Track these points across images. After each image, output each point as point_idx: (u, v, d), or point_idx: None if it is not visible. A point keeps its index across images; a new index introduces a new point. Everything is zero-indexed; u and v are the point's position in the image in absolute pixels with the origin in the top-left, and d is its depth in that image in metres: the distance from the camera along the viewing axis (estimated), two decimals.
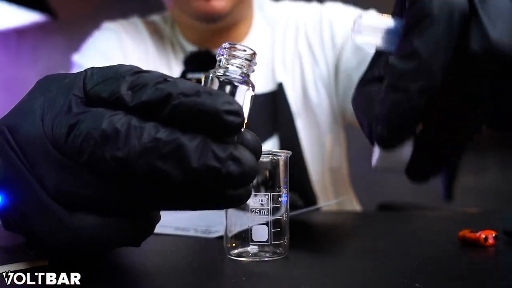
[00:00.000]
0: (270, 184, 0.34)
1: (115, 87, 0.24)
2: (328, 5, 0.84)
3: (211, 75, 0.28)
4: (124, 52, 0.79)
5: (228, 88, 0.27)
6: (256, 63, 0.29)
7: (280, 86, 0.78)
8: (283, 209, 0.35)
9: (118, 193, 0.25)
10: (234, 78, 0.28)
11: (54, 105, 0.26)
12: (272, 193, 0.34)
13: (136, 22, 0.84)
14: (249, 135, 0.26)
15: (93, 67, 0.26)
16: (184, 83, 0.24)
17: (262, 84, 0.78)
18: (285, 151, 0.35)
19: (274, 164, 0.35)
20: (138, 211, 0.27)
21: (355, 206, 0.88)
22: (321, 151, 0.80)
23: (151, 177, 0.23)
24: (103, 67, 0.26)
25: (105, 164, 0.24)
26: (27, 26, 1.96)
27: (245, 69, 0.28)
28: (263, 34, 0.82)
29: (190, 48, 0.79)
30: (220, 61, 0.28)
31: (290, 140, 0.76)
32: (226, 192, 0.25)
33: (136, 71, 0.25)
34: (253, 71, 0.29)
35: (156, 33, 0.82)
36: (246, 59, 0.28)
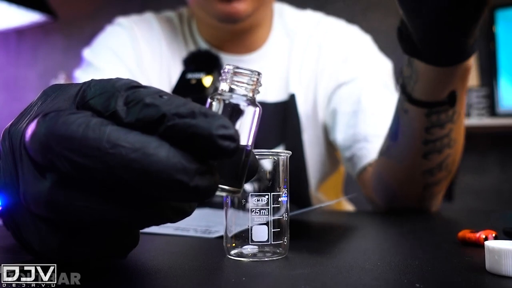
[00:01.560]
0: (270, 184, 0.34)
1: (110, 101, 0.24)
2: (357, 36, 0.83)
3: (215, 98, 0.27)
4: (135, 49, 0.78)
5: (232, 112, 0.26)
6: (261, 84, 0.28)
7: (292, 97, 0.78)
8: (283, 209, 0.35)
9: (92, 203, 0.23)
10: (239, 102, 0.27)
11: (39, 112, 0.26)
12: (272, 193, 0.34)
13: (149, 18, 0.82)
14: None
15: (92, 79, 0.26)
16: (179, 102, 0.23)
17: (275, 93, 0.78)
18: (285, 151, 0.35)
19: (274, 164, 0.35)
20: (116, 223, 0.25)
21: (349, 207, 0.90)
22: (322, 168, 0.81)
23: (114, 184, 0.22)
24: (102, 79, 0.26)
25: (63, 167, 0.22)
26: (27, 26, 1.96)
27: (250, 92, 0.27)
28: (281, 43, 0.82)
29: (204, 46, 0.79)
30: (224, 83, 0.27)
31: (295, 151, 0.76)
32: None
33: (132, 86, 0.24)
34: (258, 92, 0.28)
35: (170, 30, 0.81)
36: (251, 82, 0.27)
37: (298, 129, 0.78)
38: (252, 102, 0.27)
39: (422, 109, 0.53)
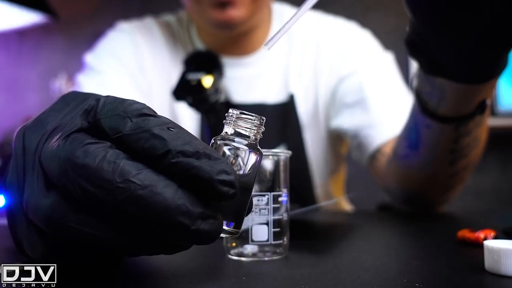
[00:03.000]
0: (270, 184, 0.34)
1: (119, 126, 0.24)
2: (355, 31, 0.83)
3: (218, 142, 0.27)
4: (137, 55, 0.78)
5: (234, 155, 0.27)
6: (264, 129, 0.29)
7: (291, 98, 0.78)
8: (283, 209, 0.35)
9: (94, 224, 0.24)
10: (240, 146, 0.27)
11: (60, 125, 0.26)
12: (272, 193, 0.34)
13: (150, 23, 0.82)
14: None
15: (108, 96, 0.26)
16: (185, 138, 0.23)
17: (274, 93, 0.78)
18: (285, 151, 0.35)
19: (274, 164, 0.35)
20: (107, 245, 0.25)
21: (348, 206, 0.90)
22: (326, 165, 0.81)
23: (118, 217, 0.23)
24: (117, 98, 0.26)
25: (75, 192, 0.23)
26: (28, 27, 1.96)
27: (252, 136, 0.28)
28: (280, 43, 0.81)
29: None
30: (228, 126, 0.28)
31: (296, 151, 0.76)
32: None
33: (143, 113, 0.24)
34: (261, 137, 0.29)
35: (170, 36, 0.81)
36: (254, 127, 0.28)
37: (299, 129, 0.78)
38: (253, 146, 0.28)
39: (450, 124, 0.50)
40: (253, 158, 0.27)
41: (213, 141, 0.28)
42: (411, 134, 0.56)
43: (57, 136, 0.25)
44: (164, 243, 0.25)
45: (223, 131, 0.28)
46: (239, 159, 0.27)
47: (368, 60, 0.79)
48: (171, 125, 0.24)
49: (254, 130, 0.28)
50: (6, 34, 2.20)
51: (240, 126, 0.28)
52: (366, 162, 0.75)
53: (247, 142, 0.27)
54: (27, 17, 1.67)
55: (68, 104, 0.28)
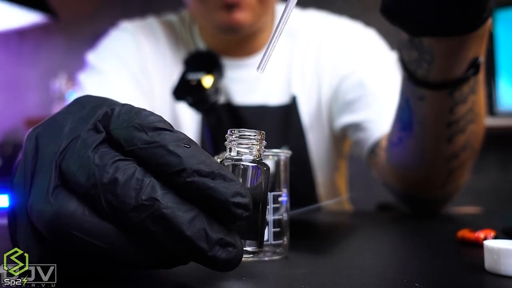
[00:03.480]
0: (270, 184, 0.34)
1: (133, 139, 0.24)
2: (358, 30, 0.83)
3: (225, 163, 0.28)
4: (140, 55, 0.78)
5: (242, 174, 0.28)
6: (265, 143, 0.29)
7: (293, 100, 0.78)
8: (283, 209, 0.35)
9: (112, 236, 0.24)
10: (247, 164, 0.28)
11: (79, 132, 0.26)
12: (272, 193, 0.34)
13: (152, 23, 0.82)
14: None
15: (125, 104, 0.26)
16: (201, 157, 0.24)
17: (276, 95, 0.78)
18: (285, 151, 0.35)
19: (275, 165, 0.35)
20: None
21: (348, 205, 0.90)
22: (329, 164, 0.81)
23: (139, 232, 0.23)
24: (133, 107, 0.26)
25: (101, 206, 0.23)
26: (28, 27, 1.96)
27: (256, 152, 0.29)
28: (282, 44, 0.81)
29: None
30: (231, 148, 0.29)
31: (299, 153, 0.76)
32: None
33: (159, 127, 0.24)
34: (264, 151, 0.29)
35: (172, 36, 0.81)
36: (256, 143, 0.29)
37: (301, 130, 0.78)
38: (259, 162, 0.28)
39: (443, 90, 0.47)
40: (261, 173, 0.28)
41: (219, 161, 0.28)
42: (403, 114, 0.54)
43: (82, 145, 0.25)
44: (171, 259, 0.25)
45: (227, 153, 0.29)
46: (248, 177, 0.28)
47: (370, 57, 0.78)
48: (186, 142, 0.24)
49: (257, 145, 0.28)
50: (6, 34, 2.20)
51: (243, 145, 0.28)
52: (365, 157, 0.75)
53: (252, 159, 0.28)
54: (27, 17, 1.68)
55: (84, 107, 0.28)
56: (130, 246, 0.24)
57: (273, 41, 0.30)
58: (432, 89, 0.48)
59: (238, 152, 0.29)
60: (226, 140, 0.30)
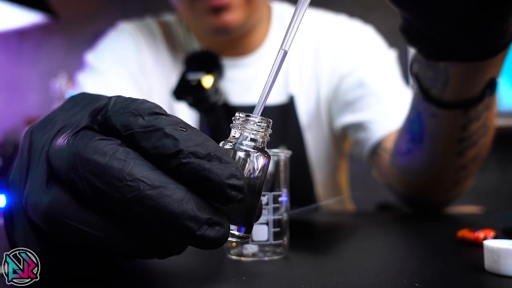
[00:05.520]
0: (270, 184, 0.34)
1: (130, 123, 0.24)
2: (356, 28, 0.83)
3: (226, 146, 0.27)
4: (139, 55, 0.78)
5: (242, 158, 0.27)
6: (271, 131, 0.29)
7: (291, 100, 0.78)
8: (283, 209, 0.35)
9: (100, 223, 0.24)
10: (249, 149, 0.27)
11: (69, 123, 0.26)
12: (272, 193, 0.34)
13: (151, 24, 0.82)
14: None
15: (119, 96, 0.26)
16: (197, 139, 0.23)
17: (274, 94, 0.78)
18: (285, 151, 0.35)
19: (274, 164, 0.35)
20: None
21: (350, 205, 0.90)
22: (329, 163, 0.81)
23: (125, 214, 0.23)
24: (128, 98, 0.26)
25: (83, 188, 0.23)
26: (28, 27, 1.96)
27: (260, 139, 0.28)
28: (279, 43, 0.80)
29: None
30: (235, 130, 0.28)
31: (296, 152, 0.76)
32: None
33: (155, 112, 0.24)
34: (268, 139, 0.29)
35: (170, 36, 0.81)
36: (261, 129, 0.28)
37: (299, 130, 0.78)
38: (262, 149, 0.28)
39: (458, 110, 0.46)
40: (261, 161, 0.28)
41: (221, 144, 0.28)
42: (414, 126, 0.53)
43: (67, 133, 0.25)
44: (162, 246, 0.25)
45: (230, 135, 0.28)
46: (248, 162, 0.27)
47: (369, 55, 0.78)
48: (182, 125, 0.24)
49: (262, 132, 0.28)
50: (6, 34, 2.20)
51: (248, 130, 0.28)
52: (366, 157, 0.74)
53: (254, 145, 0.28)
54: (27, 17, 1.68)
55: (78, 104, 0.28)
56: (108, 232, 0.24)
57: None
58: (445, 108, 0.47)
59: (241, 136, 0.28)
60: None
